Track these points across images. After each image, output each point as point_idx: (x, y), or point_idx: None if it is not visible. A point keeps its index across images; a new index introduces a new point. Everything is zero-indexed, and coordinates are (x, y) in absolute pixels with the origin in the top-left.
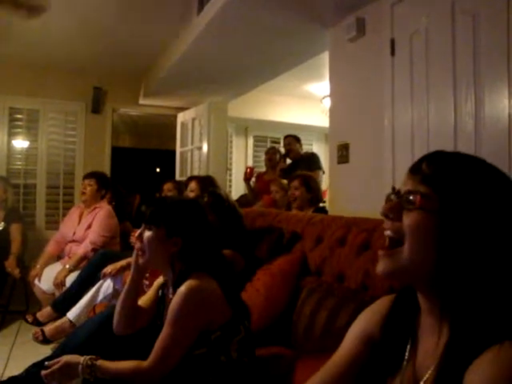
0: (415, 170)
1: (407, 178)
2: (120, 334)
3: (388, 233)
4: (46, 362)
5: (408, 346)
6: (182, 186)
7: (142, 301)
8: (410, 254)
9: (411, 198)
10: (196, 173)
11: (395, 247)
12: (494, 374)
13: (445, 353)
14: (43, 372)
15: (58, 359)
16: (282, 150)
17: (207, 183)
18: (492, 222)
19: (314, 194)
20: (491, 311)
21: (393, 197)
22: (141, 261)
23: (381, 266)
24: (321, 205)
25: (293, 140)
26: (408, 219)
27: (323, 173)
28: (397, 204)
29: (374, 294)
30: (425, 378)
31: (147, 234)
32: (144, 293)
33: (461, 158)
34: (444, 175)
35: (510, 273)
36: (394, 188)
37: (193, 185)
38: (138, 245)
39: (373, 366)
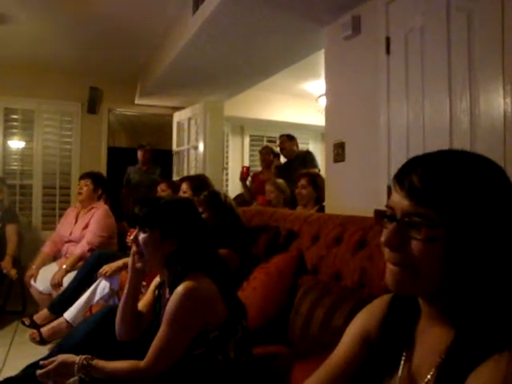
0: (403, 182)
1: (395, 192)
2: (124, 340)
3: (394, 268)
4: (41, 362)
5: (405, 348)
6: (176, 186)
7: (141, 303)
8: (425, 280)
9: (414, 220)
10: (192, 172)
11: (408, 268)
12: (494, 382)
13: (448, 356)
14: (38, 372)
15: (53, 358)
16: (278, 149)
17: (199, 183)
18: (499, 234)
19: (320, 193)
20: (495, 320)
21: (387, 217)
22: (139, 265)
23: (393, 284)
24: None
25: (285, 139)
26: (417, 250)
27: (319, 171)
28: (397, 230)
29: (371, 292)
30: (426, 380)
31: (142, 236)
32: (141, 294)
33: (450, 163)
34: (441, 190)
35: None
36: (388, 207)
37: (184, 186)
38: (134, 248)
39: (370, 366)
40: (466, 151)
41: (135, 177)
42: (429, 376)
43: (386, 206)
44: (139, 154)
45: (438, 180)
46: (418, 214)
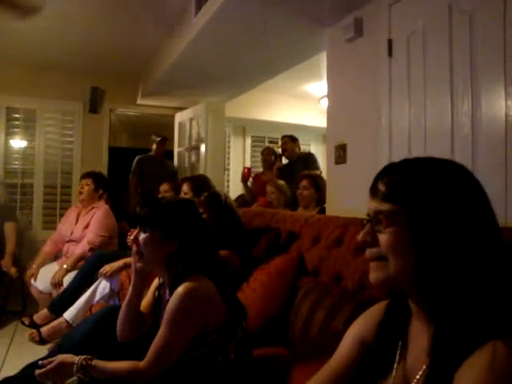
0: (374, 191)
1: (370, 201)
2: (125, 340)
3: (371, 263)
4: (41, 362)
5: (398, 349)
6: (178, 187)
7: (142, 305)
8: (394, 268)
9: (379, 217)
10: (194, 173)
11: (381, 260)
12: (483, 374)
13: (433, 354)
14: (37, 371)
15: (52, 358)
16: (280, 151)
17: (200, 184)
18: (459, 217)
19: (321, 195)
20: (475, 311)
21: (365, 222)
22: (139, 264)
23: (372, 277)
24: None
25: (288, 140)
26: (382, 241)
27: (320, 173)
28: (369, 229)
29: (371, 294)
30: (415, 380)
31: (142, 236)
32: None
33: (411, 165)
34: (401, 186)
35: (488, 270)
36: (368, 214)
37: (185, 187)
38: (134, 248)
39: (366, 369)
40: (429, 157)
41: (149, 167)
42: (417, 376)
43: (367, 214)
44: (158, 144)
45: (399, 179)
46: (382, 211)
